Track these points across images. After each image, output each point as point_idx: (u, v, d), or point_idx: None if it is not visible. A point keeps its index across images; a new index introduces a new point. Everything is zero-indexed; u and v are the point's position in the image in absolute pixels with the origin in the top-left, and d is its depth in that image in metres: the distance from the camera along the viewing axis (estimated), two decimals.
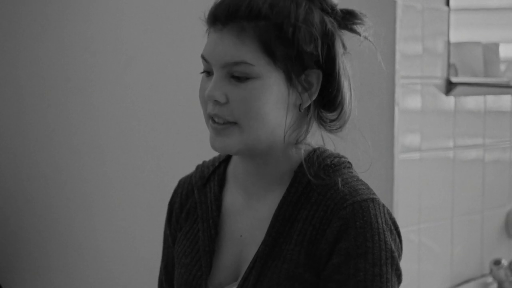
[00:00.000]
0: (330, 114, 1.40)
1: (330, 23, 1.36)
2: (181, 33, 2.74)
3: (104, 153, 3.00)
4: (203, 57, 1.36)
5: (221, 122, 1.34)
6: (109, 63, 2.96)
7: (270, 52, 1.32)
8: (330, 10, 1.38)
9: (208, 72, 1.37)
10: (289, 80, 1.34)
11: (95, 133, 3.02)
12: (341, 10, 1.39)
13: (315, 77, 1.36)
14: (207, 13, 1.36)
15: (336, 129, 1.41)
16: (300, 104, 1.36)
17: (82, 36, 3.03)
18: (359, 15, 1.40)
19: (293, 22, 1.32)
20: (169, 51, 2.79)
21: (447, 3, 2.52)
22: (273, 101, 1.33)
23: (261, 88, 1.32)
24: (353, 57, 1.43)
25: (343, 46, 1.39)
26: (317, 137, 1.43)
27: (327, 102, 1.39)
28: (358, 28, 1.40)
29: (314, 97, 1.37)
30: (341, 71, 1.37)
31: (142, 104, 2.89)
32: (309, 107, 1.38)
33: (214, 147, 1.36)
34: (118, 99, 2.95)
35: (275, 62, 1.32)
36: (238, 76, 1.32)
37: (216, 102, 1.33)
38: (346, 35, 1.41)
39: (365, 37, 1.40)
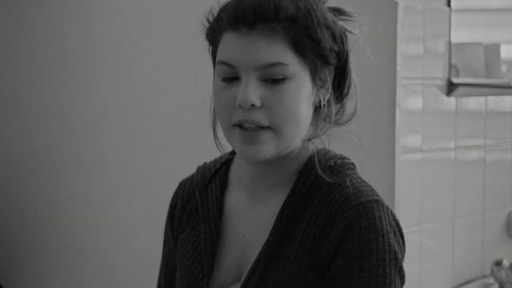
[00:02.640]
0: (339, 107, 1.41)
1: (338, 20, 1.39)
2: (183, 34, 2.73)
3: (106, 153, 3.00)
4: (225, 63, 1.33)
5: (253, 128, 1.32)
6: (111, 63, 2.96)
7: (300, 51, 1.32)
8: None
9: (229, 79, 1.33)
10: (313, 78, 1.34)
11: (96, 133, 3.02)
12: (329, 8, 1.40)
13: (328, 74, 1.37)
14: (225, 16, 1.33)
15: (345, 122, 1.42)
16: (319, 101, 1.37)
17: (83, 36, 3.03)
18: (346, 11, 1.41)
19: (317, 22, 1.32)
20: (170, 52, 2.78)
21: (448, 4, 2.52)
22: (304, 101, 1.34)
23: (295, 88, 1.32)
24: (353, 57, 1.43)
25: None
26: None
27: (338, 96, 1.40)
28: (348, 25, 1.41)
29: (329, 93, 1.38)
30: (351, 66, 1.40)
31: (143, 104, 2.89)
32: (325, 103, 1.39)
33: (245, 156, 1.34)
34: (120, 99, 2.95)
35: (304, 61, 1.32)
36: (273, 78, 1.31)
37: (251, 107, 1.30)
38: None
39: (355, 34, 1.41)
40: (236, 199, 1.44)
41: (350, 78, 1.40)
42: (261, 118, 1.31)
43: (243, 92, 1.30)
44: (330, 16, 1.36)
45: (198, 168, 1.53)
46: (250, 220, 1.41)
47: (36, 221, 3.20)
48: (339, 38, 1.37)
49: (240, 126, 1.32)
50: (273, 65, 1.30)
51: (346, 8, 1.42)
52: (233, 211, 1.44)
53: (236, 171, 1.46)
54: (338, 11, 1.41)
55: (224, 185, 1.47)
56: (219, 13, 1.35)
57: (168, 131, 2.83)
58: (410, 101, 2.39)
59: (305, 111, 1.34)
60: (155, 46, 2.85)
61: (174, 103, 2.79)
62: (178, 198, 1.54)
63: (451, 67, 2.53)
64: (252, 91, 1.30)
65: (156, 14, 2.84)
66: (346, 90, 1.40)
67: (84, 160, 3.06)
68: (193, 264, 1.45)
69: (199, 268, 1.44)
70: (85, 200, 3.06)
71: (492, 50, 2.75)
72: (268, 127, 1.32)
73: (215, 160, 1.52)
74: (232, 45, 1.32)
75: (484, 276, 2.74)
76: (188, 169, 1.66)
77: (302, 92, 1.32)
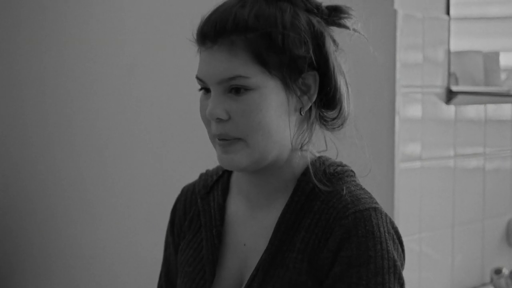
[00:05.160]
0: (331, 112, 1.40)
1: (317, 23, 1.37)
2: (186, 38, 2.74)
3: (105, 156, 3.01)
4: (198, 78, 1.36)
5: (227, 139, 1.34)
6: (111, 67, 2.96)
7: (263, 62, 1.32)
8: (315, 10, 1.38)
9: (206, 90, 1.37)
10: (286, 86, 1.34)
11: (96, 135, 3.02)
12: (327, 7, 1.40)
13: (312, 79, 1.36)
14: (195, 33, 1.36)
15: (337, 127, 1.41)
16: (300, 108, 1.37)
17: (83, 40, 3.03)
18: (344, 9, 1.40)
19: (281, 30, 1.32)
20: (172, 56, 2.79)
21: (448, 12, 2.52)
22: (273, 110, 1.33)
23: (259, 99, 1.32)
24: (353, 68, 1.43)
25: (334, 42, 1.40)
26: (318, 145, 1.43)
27: (326, 101, 1.39)
28: (347, 22, 1.40)
29: (313, 99, 1.37)
30: (336, 69, 1.38)
31: (144, 109, 2.89)
32: (309, 109, 1.38)
33: (222, 164, 1.36)
34: (120, 103, 2.95)
35: (269, 71, 1.32)
36: (235, 90, 1.32)
37: (219, 120, 1.33)
38: (338, 36, 1.41)
39: (355, 30, 1.41)
40: (237, 206, 1.45)
41: (335, 81, 1.37)
42: (231, 130, 1.33)
43: (210, 106, 1.33)
44: (304, 19, 1.35)
45: (201, 175, 1.54)
46: (251, 227, 1.42)
47: (36, 224, 3.21)
48: (315, 42, 1.35)
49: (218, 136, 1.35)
50: (233, 78, 1.32)
51: (343, 5, 1.40)
52: (234, 219, 1.45)
53: (236, 178, 1.46)
54: (336, 10, 1.40)
55: (226, 192, 1.47)
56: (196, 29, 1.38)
57: (169, 136, 2.84)
58: (409, 109, 2.39)
59: (277, 120, 1.34)
60: (156, 51, 2.85)
61: (175, 108, 2.79)
62: (179, 204, 1.55)
63: (450, 75, 2.53)
64: (217, 104, 1.33)
65: (157, 16, 2.85)
66: (333, 93, 1.38)
67: (84, 163, 3.06)
68: (194, 271, 1.45)
69: (200, 274, 1.44)
70: (85, 203, 3.07)
71: (491, 58, 2.75)
72: (240, 138, 1.33)
73: (218, 167, 1.52)
74: (202, 60, 1.36)
75: (483, 284, 2.74)
76: (188, 173, 1.66)
77: (270, 102, 1.32)
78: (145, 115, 2.89)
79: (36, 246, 3.21)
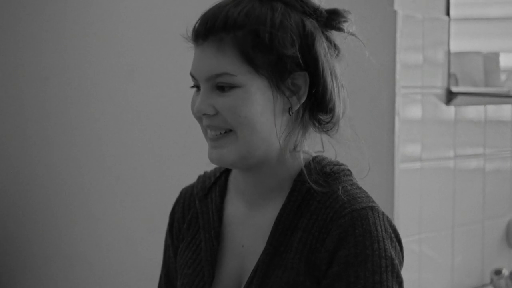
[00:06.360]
0: (326, 116, 1.40)
1: (310, 23, 1.36)
2: (184, 39, 2.74)
3: (105, 156, 3.01)
4: (190, 75, 1.38)
5: (217, 133, 1.36)
6: (112, 67, 2.96)
7: (250, 61, 1.33)
8: (312, 12, 1.38)
9: (198, 88, 1.39)
10: (274, 86, 1.34)
11: (96, 136, 3.03)
12: (326, 11, 1.39)
13: (302, 80, 1.36)
14: (191, 30, 1.38)
15: (330, 130, 1.41)
16: (289, 108, 1.37)
17: (82, 40, 3.04)
18: (343, 13, 1.40)
19: (269, 28, 1.33)
20: (173, 56, 2.79)
21: (448, 13, 2.52)
22: (259, 108, 1.34)
23: (244, 96, 1.33)
24: (353, 69, 1.43)
25: (334, 46, 1.40)
26: (314, 145, 1.43)
27: (317, 103, 1.38)
28: (344, 26, 1.40)
29: (303, 100, 1.37)
30: (326, 71, 1.37)
31: (144, 110, 2.89)
32: (301, 110, 1.38)
33: (211, 159, 1.38)
34: (120, 104, 2.95)
35: (256, 70, 1.33)
36: (222, 86, 1.34)
37: (207, 116, 1.35)
38: (339, 41, 1.41)
39: (352, 34, 1.41)
40: (234, 207, 1.45)
41: (325, 81, 1.37)
42: (220, 122, 1.35)
43: (198, 102, 1.36)
44: (296, 19, 1.35)
45: (199, 177, 1.55)
46: (249, 228, 1.42)
47: (35, 225, 3.21)
48: (304, 42, 1.35)
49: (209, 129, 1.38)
50: (220, 75, 1.33)
51: (342, 9, 1.40)
52: (232, 220, 1.45)
53: (234, 179, 1.47)
54: (335, 13, 1.39)
55: (223, 193, 1.48)
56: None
57: (169, 137, 2.84)
58: (409, 110, 2.39)
59: (263, 118, 1.34)
60: (157, 51, 2.85)
61: (175, 109, 2.79)
62: (178, 207, 1.55)
63: (450, 76, 2.53)
64: (204, 100, 1.35)
65: (158, 16, 2.85)
66: (322, 94, 1.37)
67: (83, 165, 3.06)
68: (193, 273, 1.45)
69: (199, 276, 1.44)
70: (85, 204, 3.07)
71: (491, 59, 2.75)
72: (230, 130, 1.35)
73: (215, 168, 1.52)
74: (194, 57, 1.38)
75: (483, 285, 2.74)
76: (188, 175, 1.66)
77: (254, 100, 1.33)
78: (145, 117, 2.89)
79: (36, 247, 3.21)
